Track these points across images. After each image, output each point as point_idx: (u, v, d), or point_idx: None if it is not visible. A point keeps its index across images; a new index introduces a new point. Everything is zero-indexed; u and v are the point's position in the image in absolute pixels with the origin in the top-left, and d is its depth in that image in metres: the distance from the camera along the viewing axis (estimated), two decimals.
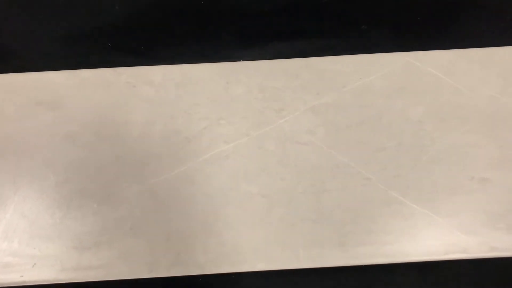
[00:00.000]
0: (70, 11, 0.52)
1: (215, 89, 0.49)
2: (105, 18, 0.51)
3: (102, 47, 0.51)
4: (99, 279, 0.43)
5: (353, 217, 0.44)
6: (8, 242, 0.44)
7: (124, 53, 0.50)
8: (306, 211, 0.45)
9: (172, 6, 0.52)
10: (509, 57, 0.49)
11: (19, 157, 0.46)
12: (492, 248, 0.44)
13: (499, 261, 0.43)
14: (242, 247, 0.44)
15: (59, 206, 0.45)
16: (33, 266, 0.43)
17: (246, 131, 0.47)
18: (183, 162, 0.46)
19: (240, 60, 0.50)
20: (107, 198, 0.45)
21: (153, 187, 0.45)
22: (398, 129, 0.47)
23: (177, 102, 0.48)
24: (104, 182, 0.45)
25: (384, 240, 0.44)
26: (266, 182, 0.45)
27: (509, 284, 0.45)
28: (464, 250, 0.43)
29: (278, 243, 0.44)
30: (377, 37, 0.51)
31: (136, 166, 0.46)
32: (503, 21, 0.52)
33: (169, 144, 0.47)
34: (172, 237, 0.44)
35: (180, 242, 0.44)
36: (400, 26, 0.52)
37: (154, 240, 0.44)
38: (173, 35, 0.51)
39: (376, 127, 0.47)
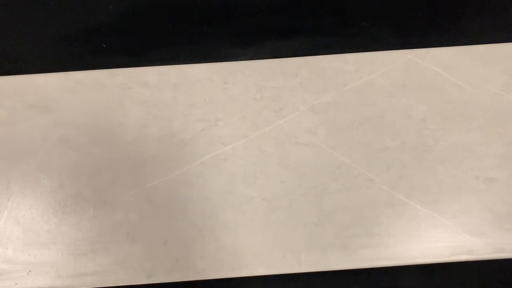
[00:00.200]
0: (63, 11, 0.51)
1: (212, 89, 0.48)
2: (99, 18, 0.51)
3: (95, 48, 0.50)
4: (95, 286, 0.42)
5: (356, 219, 0.44)
6: (2, 249, 0.43)
7: (119, 54, 0.50)
8: (307, 214, 0.44)
9: (167, 5, 0.51)
10: None
11: (12, 162, 0.46)
12: (498, 249, 0.43)
13: (506, 262, 0.44)
14: (242, 252, 0.43)
15: (54, 211, 0.45)
16: (28, 273, 0.43)
17: (245, 132, 0.47)
18: (180, 165, 0.46)
19: (237, 60, 0.50)
20: (102, 203, 0.45)
21: (149, 191, 0.45)
22: (401, 128, 0.47)
23: (173, 103, 0.48)
24: (99, 186, 0.45)
25: (388, 242, 0.44)
26: (265, 184, 0.45)
27: None
28: (470, 252, 0.43)
29: (279, 247, 0.43)
30: (378, 34, 0.51)
31: (132, 170, 0.46)
32: (505, 17, 0.51)
33: (166, 146, 0.46)
34: (170, 242, 0.44)
35: (178, 247, 0.43)
36: (401, 23, 0.51)
37: (152, 246, 0.43)
38: (169, 35, 0.51)
39: (379, 126, 0.47)
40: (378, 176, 0.45)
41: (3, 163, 0.46)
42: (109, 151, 0.46)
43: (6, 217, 0.44)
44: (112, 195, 0.45)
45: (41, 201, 0.45)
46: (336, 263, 0.43)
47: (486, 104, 0.48)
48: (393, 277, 0.45)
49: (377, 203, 0.44)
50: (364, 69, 0.49)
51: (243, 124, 0.47)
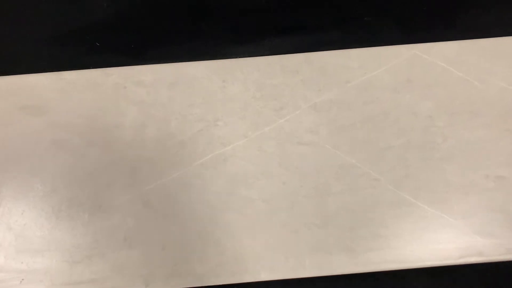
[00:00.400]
0: (55, 9, 0.51)
1: (210, 88, 0.48)
2: (93, 16, 0.51)
3: (89, 47, 0.50)
4: None
5: (361, 220, 0.44)
6: None
7: (113, 53, 0.50)
8: (310, 216, 0.44)
9: (163, 1, 0.51)
10: None
11: (4, 166, 0.45)
12: (509, 250, 0.42)
13: None
14: (243, 256, 0.43)
15: (48, 217, 0.44)
16: (20, 282, 0.42)
17: (244, 132, 0.47)
18: (178, 167, 0.45)
19: (236, 57, 0.49)
20: (98, 208, 0.44)
21: (147, 195, 0.44)
22: (406, 126, 0.46)
23: (170, 103, 0.47)
24: (94, 190, 0.45)
25: (394, 244, 0.43)
26: (266, 186, 0.45)
27: None
28: (480, 253, 0.42)
29: (281, 250, 0.43)
30: (381, 29, 0.51)
31: (128, 173, 0.45)
32: (511, 10, 0.51)
33: (163, 148, 0.46)
34: (168, 247, 0.43)
35: (176, 252, 0.43)
36: (405, 17, 0.52)
37: (149, 251, 0.43)
38: (165, 32, 0.51)
39: (383, 124, 0.46)
40: (383, 176, 0.45)
41: None
42: (104, 154, 0.46)
43: None
44: (108, 199, 0.44)
45: (34, 206, 0.44)
46: (341, 266, 0.42)
47: (494, 99, 0.47)
48: (400, 280, 0.44)
49: (383, 204, 0.44)
50: (367, 65, 0.48)
51: (243, 124, 0.47)
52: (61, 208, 0.44)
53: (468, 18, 0.51)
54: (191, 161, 0.45)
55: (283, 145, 0.46)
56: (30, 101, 0.47)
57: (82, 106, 0.47)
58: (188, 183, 0.45)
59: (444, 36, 0.49)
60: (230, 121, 0.47)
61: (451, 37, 0.49)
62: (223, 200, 0.44)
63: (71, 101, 0.47)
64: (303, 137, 0.46)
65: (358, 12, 0.51)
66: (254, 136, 0.46)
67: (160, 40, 0.50)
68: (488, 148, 0.45)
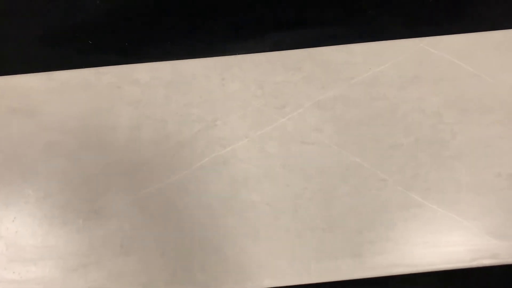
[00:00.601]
0: (45, 6, 0.50)
1: (209, 87, 0.47)
2: (85, 13, 0.50)
3: (82, 45, 0.49)
4: None
5: (369, 223, 0.43)
6: None
7: (106, 51, 0.49)
8: (315, 219, 0.43)
9: None
10: None
11: None
12: None
13: None
14: (246, 262, 0.42)
15: (40, 224, 0.43)
16: None
17: (245, 132, 0.46)
18: (176, 170, 0.45)
19: (235, 54, 0.49)
20: (93, 213, 0.43)
21: (144, 199, 0.44)
22: (414, 123, 0.46)
23: (167, 103, 0.47)
24: (89, 195, 0.44)
25: (404, 248, 0.42)
26: (269, 188, 0.44)
27: None
28: (494, 256, 0.42)
29: (285, 256, 0.42)
30: (386, 22, 0.50)
31: (124, 176, 0.45)
32: None
33: (160, 150, 0.45)
34: (167, 254, 0.42)
35: (176, 259, 0.42)
36: (411, 10, 0.51)
37: (148, 258, 0.42)
38: (160, 29, 0.50)
39: (390, 122, 0.46)
40: (391, 176, 0.44)
41: None
42: (99, 156, 0.45)
43: None
44: (103, 204, 0.44)
45: (25, 212, 0.44)
46: (348, 272, 0.42)
47: (506, 95, 0.46)
48: (411, 285, 0.44)
49: (391, 205, 0.43)
50: (373, 60, 0.48)
51: (243, 124, 0.46)
52: (54, 215, 0.43)
53: (478, 9, 0.50)
54: (190, 163, 0.45)
55: (286, 145, 0.45)
56: (20, 103, 0.46)
57: (75, 108, 0.46)
58: (187, 187, 0.44)
59: (452, 29, 0.49)
60: (229, 121, 0.46)
61: (459, 29, 0.49)
62: (223, 204, 0.44)
63: (63, 103, 0.47)
64: (307, 137, 0.46)
65: (362, 6, 0.51)
66: (255, 136, 0.46)
67: (155, 37, 0.50)
68: (500, 145, 0.45)
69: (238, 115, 0.46)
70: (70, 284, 0.41)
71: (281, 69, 0.47)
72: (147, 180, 0.44)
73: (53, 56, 0.49)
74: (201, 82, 0.47)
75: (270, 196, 0.44)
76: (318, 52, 0.48)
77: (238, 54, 0.48)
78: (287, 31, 0.50)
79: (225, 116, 0.46)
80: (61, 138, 0.45)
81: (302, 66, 0.48)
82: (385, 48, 0.48)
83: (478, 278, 0.44)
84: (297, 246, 0.42)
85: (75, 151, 0.45)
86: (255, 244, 0.42)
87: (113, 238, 0.42)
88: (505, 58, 0.47)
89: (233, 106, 0.47)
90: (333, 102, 0.46)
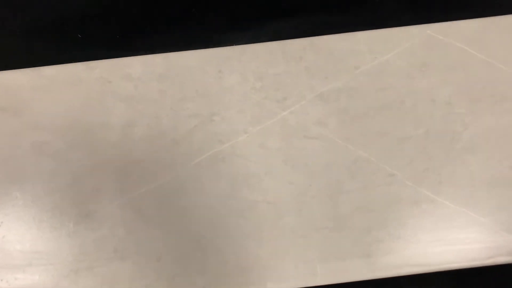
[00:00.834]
0: None
1: (205, 80, 0.47)
2: (74, 5, 0.50)
3: (70, 39, 0.49)
4: None
5: (378, 221, 0.43)
6: None
7: (96, 44, 0.49)
8: (321, 218, 0.43)
9: None
10: None
11: None
12: None
13: None
14: (248, 265, 0.42)
15: (28, 228, 0.43)
16: None
17: (244, 127, 0.45)
18: (171, 169, 0.44)
19: (232, 45, 0.48)
20: (84, 216, 0.43)
21: (138, 200, 0.43)
22: (424, 114, 0.45)
23: (161, 97, 0.46)
24: (80, 197, 0.44)
25: (415, 246, 0.42)
26: (271, 186, 0.44)
27: None
28: (511, 253, 0.42)
29: (290, 257, 0.42)
30: (392, 8, 0.50)
31: (116, 177, 0.44)
32: None
33: (154, 148, 0.45)
34: (164, 258, 0.42)
35: (174, 263, 0.42)
36: None
37: (143, 263, 0.42)
38: (153, 19, 0.50)
39: (398, 114, 0.45)
40: (400, 171, 0.44)
41: None
42: (89, 156, 0.44)
43: None
44: (95, 206, 0.43)
45: (13, 216, 0.43)
46: (357, 273, 0.42)
47: None
48: (424, 285, 0.44)
49: (401, 202, 0.43)
50: (378, 48, 0.47)
51: (242, 118, 0.46)
52: (43, 218, 0.43)
53: None
54: (186, 161, 0.45)
55: (288, 140, 0.45)
56: (6, 101, 0.46)
57: (63, 105, 0.46)
58: (184, 186, 0.44)
59: (462, 14, 0.48)
60: (228, 115, 0.46)
61: (469, 15, 0.48)
62: (223, 203, 0.44)
63: (52, 100, 0.46)
64: (310, 130, 0.45)
65: None
66: (255, 131, 0.45)
67: (147, 29, 0.49)
68: None
69: (237, 109, 0.46)
70: None
71: (282, 60, 0.47)
72: (141, 180, 0.44)
73: (40, 50, 0.49)
74: (197, 75, 0.47)
75: (272, 195, 0.44)
76: (321, 40, 0.48)
77: (235, 44, 0.48)
78: (287, 19, 0.50)
79: (223, 110, 0.46)
80: (50, 138, 0.45)
81: (303, 56, 0.47)
82: (391, 36, 0.47)
83: (494, 276, 0.44)
84: (302, 247, 0.42)
85: (64, 151, 0.44)
86: (257, 245, 0.42)
87: (106, 242, 0.42)
88: None
89: (231, 100, 0.46)
90: (337, 94, 0.46)
